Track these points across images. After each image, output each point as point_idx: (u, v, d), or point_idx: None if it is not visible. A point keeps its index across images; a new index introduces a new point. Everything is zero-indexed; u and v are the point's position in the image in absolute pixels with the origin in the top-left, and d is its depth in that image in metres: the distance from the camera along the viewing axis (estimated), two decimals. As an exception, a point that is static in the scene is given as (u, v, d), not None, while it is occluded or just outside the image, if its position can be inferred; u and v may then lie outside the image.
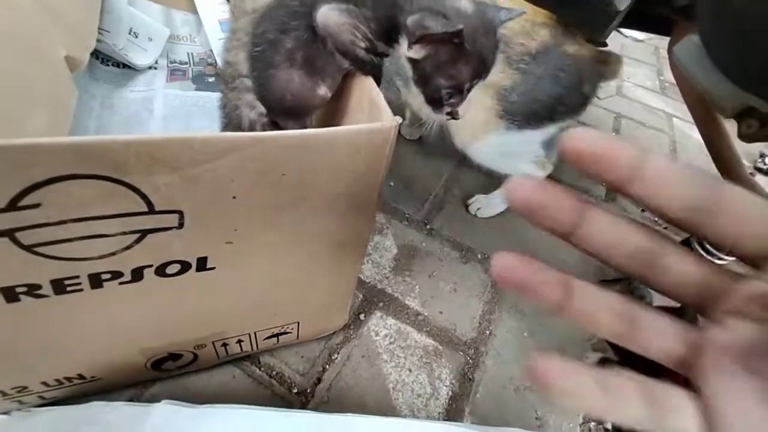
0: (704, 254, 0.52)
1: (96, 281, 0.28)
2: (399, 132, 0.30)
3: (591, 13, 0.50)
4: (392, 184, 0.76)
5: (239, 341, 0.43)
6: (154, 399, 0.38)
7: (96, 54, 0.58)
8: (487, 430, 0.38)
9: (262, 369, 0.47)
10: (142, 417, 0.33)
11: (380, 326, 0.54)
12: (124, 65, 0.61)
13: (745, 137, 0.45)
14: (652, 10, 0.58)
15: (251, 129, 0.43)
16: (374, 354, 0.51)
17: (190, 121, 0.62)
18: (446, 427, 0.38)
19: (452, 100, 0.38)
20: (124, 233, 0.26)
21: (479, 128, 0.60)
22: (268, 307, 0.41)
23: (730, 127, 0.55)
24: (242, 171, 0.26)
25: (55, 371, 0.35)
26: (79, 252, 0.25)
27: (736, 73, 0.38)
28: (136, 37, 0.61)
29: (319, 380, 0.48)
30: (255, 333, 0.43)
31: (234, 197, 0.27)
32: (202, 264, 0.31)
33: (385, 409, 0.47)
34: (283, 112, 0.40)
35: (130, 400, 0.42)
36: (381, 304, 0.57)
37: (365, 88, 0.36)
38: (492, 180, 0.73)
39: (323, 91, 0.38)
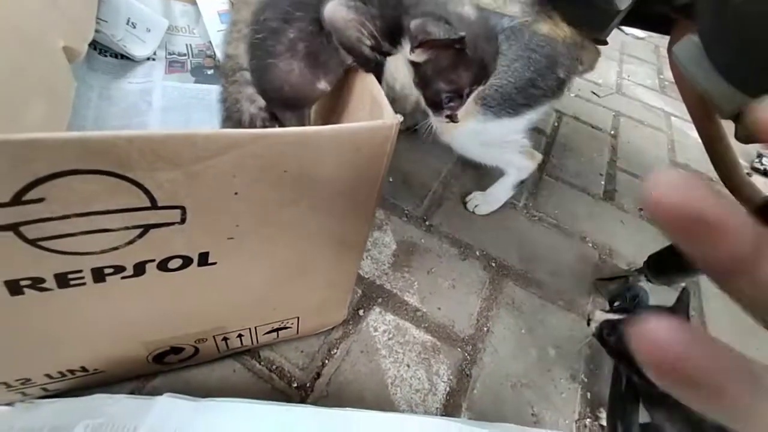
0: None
1: (99, 275, 0.28)
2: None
3: (591, 12, 0.50)
4: (391, 179, 0.76)
5: (240, 335, 0.43)
6: (155, 392, 0.38)
7: (94, 44, 0.58)
8: (483, 426, 0.39)
9: (262, 363, 0.48)
10: (144, 409, 0.33)
11: (379, 322, 0.55)
12: (122, 56, 0.60)
13: (743, 139, 0.45)
14: (652, 8, 0.58)
15: (251, 123, 0.43)
16: (373, 349, 0.52)
17: (189, 113, 0.62)
18: (443, 423, 0.38)
19: (452, 104, 0.39)
20: (127, 228, 0.26)
21: None
22: (269, 302, 0.41)
23: (728, 127, 0.55)
24: (244, 167, 0.26)
25: (58, 363, 0.35)
26: (83, 246, 0.25)
27: (734, 74, 0.38)
28: (134, 27, 0.60)
29: (318, 375, 0.48)
30: (255, 328, 0.43)
31: (236, 193, 0.27)
32: (203, 259, 0.31)
33: (384, 403, 0.47)
34: (281, 103, 0.40)
35: (132, 392, 0.42)
36: (380, 300, 0.57)
37: (367, 85, 0.36)
38: (490, 177, 0.73)
39: (323, 84, 0.38)
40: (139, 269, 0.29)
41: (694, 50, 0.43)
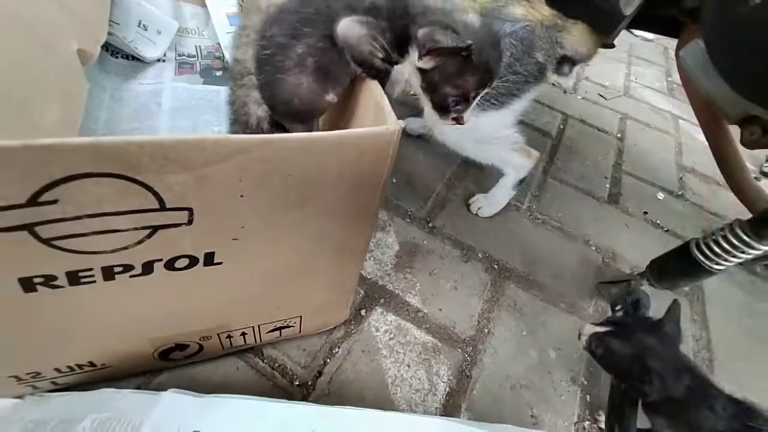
0: (703, 259, 0.52)
1: (108, 274, 0.29)
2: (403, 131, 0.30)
3: (597, 16, 0.51)
4: (395, 181, 0.76)
5: (243, 333, 0.44)
6: (161, 387, 0.39)
7: (106, 46, 0.59)
8: (483, 427, 0.40)
9: (265, 361, 0.49)
10: (149, 405, 0.34)
11: (381, 322, 0.55)
12: (134, 57, 0.62)
13: (748, 144, 0.45)
14: (660, 11, 0.58)
15: (259, 125, 0.43)
16: (374, 349, 0.52)
17: (197, 114, 0.63)
18: (443, 423, 0.39)
19: (458, 107, 0.40)
20: (136, 229, 0.27)
21: None
22: (272, 302, 0.42)
23: (735, 132, 0.55)
24: (250, 171, 0.27)
25: (67, 358, 0.36)
26: (94, 246, 0.26)
27: (737, 80, 0.38)
28: (146, 29, 0.62)
29: (320, 373, 0.49)
30: (258, 326, 0.44)
31: (241, 196, 0.28)
32: (209, 259, 0.32)
33: (384, 403, 0.48)
34: (290, 116, 0.41)
35: (138, 387, 0.43)
36: (382, 301, 0.58)
37: (371, 92, 0.36)
38: (493, 180, 0.73)
39: (331, 96, 0.39)
40: (147, 268, 0.30)
41: (700, 55, 0.43)
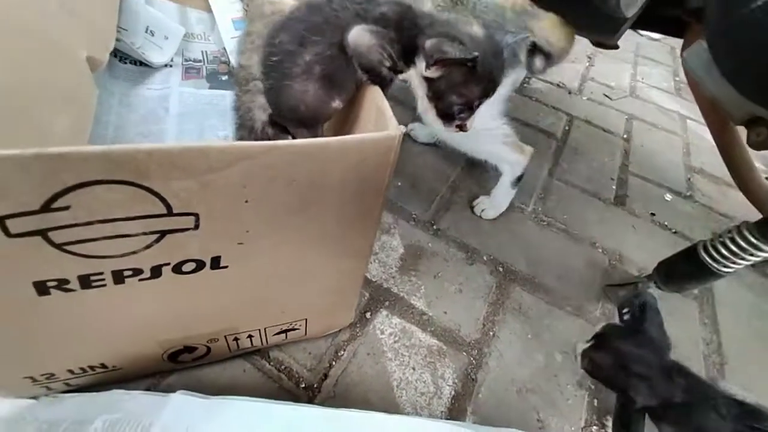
0: (711, 262, 0.51)
1: (118, 277, 0.30)
2: (407, 134, 0.31)
3: (599, 19, 0.50)
4: (399, 184, 0.77)
5: (250, 336, 0.44)
6: (170, 389, 0.40)
7: (114, 52, 0.60)
8: (488, 431, 0.40)
9: (271, 363, 0.49)
10: (158, 406, 0.35)
11: (386, 325, 0.56)
12: (141, 63, 0.63)
13: (755, 145, 0.45)
14: (664, 11, 0.58)
15: (264, 130, 0.44)
16: (379, 352, 0.53)
17: (203, 119, 0.64)
18: (448, 426, 0.39)
19: (462, 115, 0.42)
20: (145, 233, 0.27)
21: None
22: (277, 305, 0.42)
23: (743, 132, 0.54)
24: (254, 177, 0.27)
25: (80, 359, 0.37)
26: (104, 250, 0.27)
27: (741, 82, 0.38)
28: (153, 35, 0.63)
29: (325, 376, 0.49)
30: (265, 329, 0.44)
31: (246, 201, 0.29)
32: (215, 263, 0.32)
33: (389, 406, 0.48)
34: (296, 121, 0.42)
35: (148, 389, 0.44)
36: (387, 303, 0.58)
37: (374, 98, 0.37)
38: (496, 182, 0.73)
39: (337, 103, 0.40)
40: (156, 272, 0.31)
41: (704, 56, 0.43)
